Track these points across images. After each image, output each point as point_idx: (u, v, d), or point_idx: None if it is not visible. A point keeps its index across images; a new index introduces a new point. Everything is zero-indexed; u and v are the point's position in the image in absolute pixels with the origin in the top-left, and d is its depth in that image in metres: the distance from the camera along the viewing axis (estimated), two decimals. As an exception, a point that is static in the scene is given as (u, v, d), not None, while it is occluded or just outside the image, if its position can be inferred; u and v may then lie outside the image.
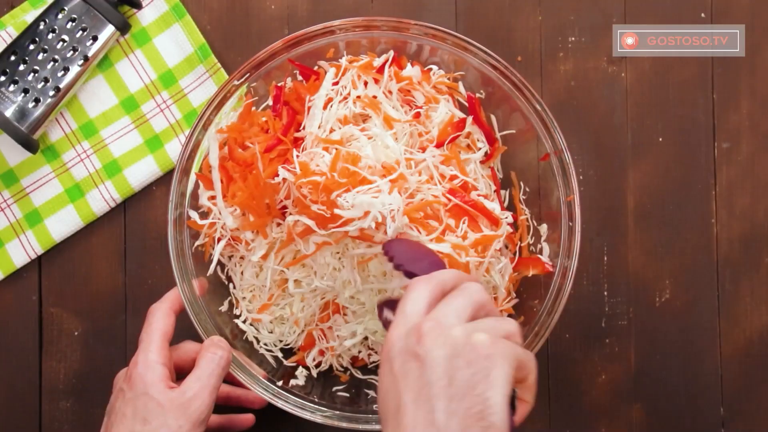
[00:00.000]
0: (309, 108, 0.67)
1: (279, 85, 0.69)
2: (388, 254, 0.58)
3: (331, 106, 0.67)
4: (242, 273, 0.70)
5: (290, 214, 0.66)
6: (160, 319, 0.62)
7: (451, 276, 0.53)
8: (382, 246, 0.61)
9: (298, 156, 0.66)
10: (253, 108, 0.69)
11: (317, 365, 0.71)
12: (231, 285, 0.71)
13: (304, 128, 0.67)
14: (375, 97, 0.67)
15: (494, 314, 0.52)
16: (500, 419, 0.47)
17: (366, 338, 0.70)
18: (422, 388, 0.48)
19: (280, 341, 0.71)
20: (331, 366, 0.71)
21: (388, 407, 0.49)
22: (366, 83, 0.68)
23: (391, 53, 0.69)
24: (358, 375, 0.71)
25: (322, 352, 0.70)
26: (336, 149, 0.64)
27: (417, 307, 0.50)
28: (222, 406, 0.68)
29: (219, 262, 0.71)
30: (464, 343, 0.48)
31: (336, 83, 0.68)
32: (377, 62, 0.69)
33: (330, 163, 0.63)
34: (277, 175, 0.66)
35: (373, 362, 0.71)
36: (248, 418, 0.71)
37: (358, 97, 0.67)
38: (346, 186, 0.61)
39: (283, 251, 0.68)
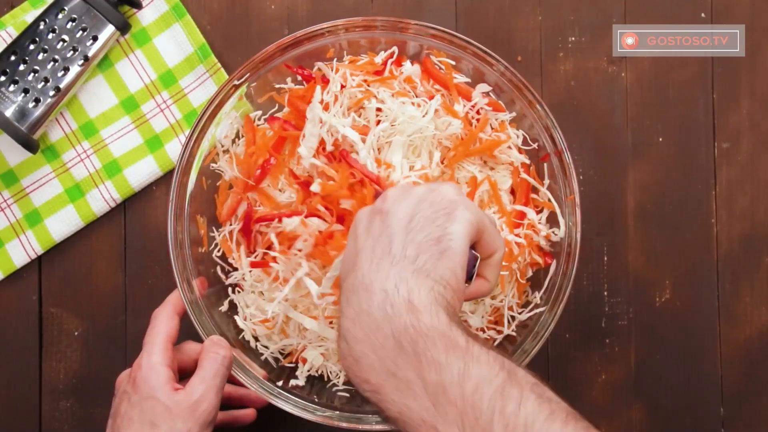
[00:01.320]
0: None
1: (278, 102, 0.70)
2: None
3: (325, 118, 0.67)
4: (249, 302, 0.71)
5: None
6: (163, 322, 0.62)
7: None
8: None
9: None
10: (256, 122, 0.70)
11: (309, 369, 0.71)
12: (233, 291, 0.71)
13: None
14: (367, 82, 0.67)
15: None
16: (457, 246, 0.46)
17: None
18: (382, 232, 0.47)
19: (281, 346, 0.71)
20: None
21: (348, 265, 0.48)
22: (367, 82, 0.68)
23: (395, 49, 0.68)
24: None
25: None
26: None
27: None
28: (223, 405, 0.68)
29: (218, 263, 0.71)
30: (429, 192, 0.48)
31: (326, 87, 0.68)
32: (379, 59, 0.69)
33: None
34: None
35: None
36: (249, 413, 0.70)
37: (365, 81, 0.67)
38: None
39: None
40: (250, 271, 0.69)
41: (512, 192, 0.70)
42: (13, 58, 0.72)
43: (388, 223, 0.47)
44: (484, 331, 0.69)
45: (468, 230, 0.47)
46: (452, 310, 0.45)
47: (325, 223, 0.65)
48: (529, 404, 0.40)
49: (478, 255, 0.51)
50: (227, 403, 0.70)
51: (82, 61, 0.73)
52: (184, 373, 0.62)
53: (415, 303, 0.43)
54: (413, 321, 0.43)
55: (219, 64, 0.76)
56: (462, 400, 0.41)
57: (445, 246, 0.46)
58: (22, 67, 0.72)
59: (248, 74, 0.66)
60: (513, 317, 0.69)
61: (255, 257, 0.68)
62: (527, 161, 0.69)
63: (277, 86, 0.70)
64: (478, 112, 0.69)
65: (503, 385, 0.41)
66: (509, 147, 0.69)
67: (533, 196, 0.70)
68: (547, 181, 0.69)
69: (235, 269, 0.71)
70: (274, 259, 0.67)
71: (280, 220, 0.66)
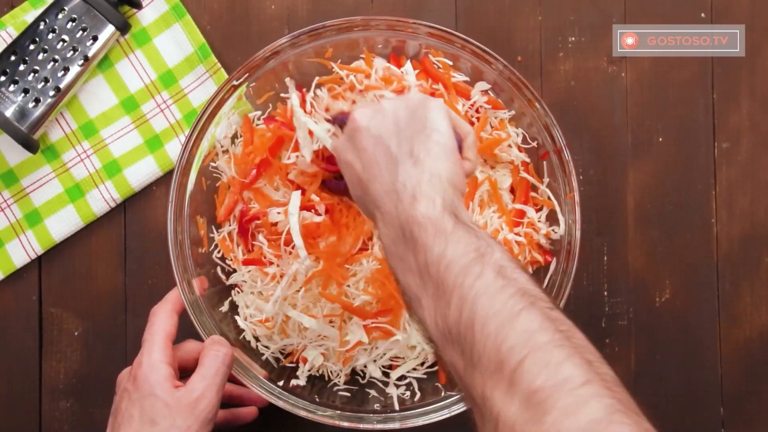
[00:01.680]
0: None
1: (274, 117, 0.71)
2: (337, 121, 0.62)
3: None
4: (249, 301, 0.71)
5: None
6: (162, 320, 0.62)
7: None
8: (332, 118, 0.64)
9: None
10: (255, 123, 0.70)
11: (310, 369, 0.70)
12: (234, 291, 0.71)
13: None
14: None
15: None
16: (442, 126, 0.52)
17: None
18: (376, 142, 0.53)
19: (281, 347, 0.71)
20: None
21: (359, 191, 0.55)
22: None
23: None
24: (358, 376, 0.71)
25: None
26: None
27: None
28: (224, 404, 0.68)
29: (218, 264, 0.71)
30: (398, 99, 0.55)
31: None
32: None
33: None
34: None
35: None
36: (251, 411, 0.70)
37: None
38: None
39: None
40: (249, 271, 0.69)
41: (512, 191, 0.70)
42: (13, 58, 0.72)
43: (377, 133, 0.53)
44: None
45: (445, 114, 0.53)
46: (451, 191, 0.50)
47: (317, 215, 0.65)
48: (485, 279, 0.45)
49: (460, 137, 0.56)
50: (228, 401, 0.70)
51: (82, 61, 0.73)
52: (184, 372, 0.62)
53: (417, 196, 0.49)
54: (413, 212, 0.49)
55: (219, 64, 0.76)
56: (437, 276, 0.47)
57: (430, 131, 0.52)
58: (22, 67, 0.72)
59: (248, 74, 0.66)
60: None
61: (249, 254, 0.69)
62: (527, 159, 0.69)
63: (282, 96, 0.70)
64: (477, 111, 0.69)
65: (469, 264, 0.46)
66: (509, 145, 0.69)
67: (533, 194, 0.70)
68: (546, 180, 0.69)
69: (235, 270, 0.71)
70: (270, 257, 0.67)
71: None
